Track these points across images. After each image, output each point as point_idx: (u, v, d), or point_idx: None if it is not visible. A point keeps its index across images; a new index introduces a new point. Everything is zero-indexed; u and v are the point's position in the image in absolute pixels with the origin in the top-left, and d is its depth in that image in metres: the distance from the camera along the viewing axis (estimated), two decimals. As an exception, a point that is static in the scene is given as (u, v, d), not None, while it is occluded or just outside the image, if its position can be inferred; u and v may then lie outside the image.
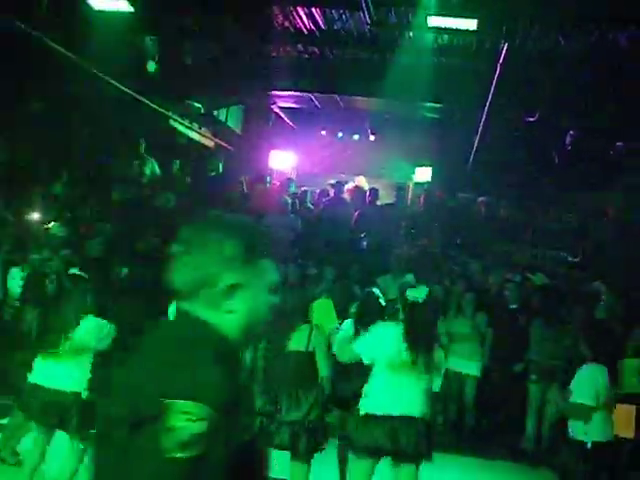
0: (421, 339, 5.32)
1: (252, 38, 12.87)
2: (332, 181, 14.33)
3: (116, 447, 1.52)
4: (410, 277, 7.79)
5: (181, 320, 1.70)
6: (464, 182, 13.22)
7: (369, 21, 11.39)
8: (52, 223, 9.95)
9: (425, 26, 10.36)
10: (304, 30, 12.59)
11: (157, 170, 13.56)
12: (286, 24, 12.45)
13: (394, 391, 5.22)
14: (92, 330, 5.39)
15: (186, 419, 1.45)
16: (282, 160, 16.16)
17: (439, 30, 10.59)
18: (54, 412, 5.22)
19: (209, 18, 12.04)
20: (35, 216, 10.71)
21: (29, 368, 5.46)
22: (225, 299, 1.69)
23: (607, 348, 5.78)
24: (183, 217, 11.44)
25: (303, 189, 14.05)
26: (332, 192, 13.72)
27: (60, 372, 5.28)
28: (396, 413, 5.17)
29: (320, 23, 12.31)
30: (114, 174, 12.98)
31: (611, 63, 11.51)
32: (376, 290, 6.47)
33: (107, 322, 5.54)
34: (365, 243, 11.52)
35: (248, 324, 1.73)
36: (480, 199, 12.77)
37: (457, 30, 10.41)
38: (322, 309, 6.55)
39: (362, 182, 14.92)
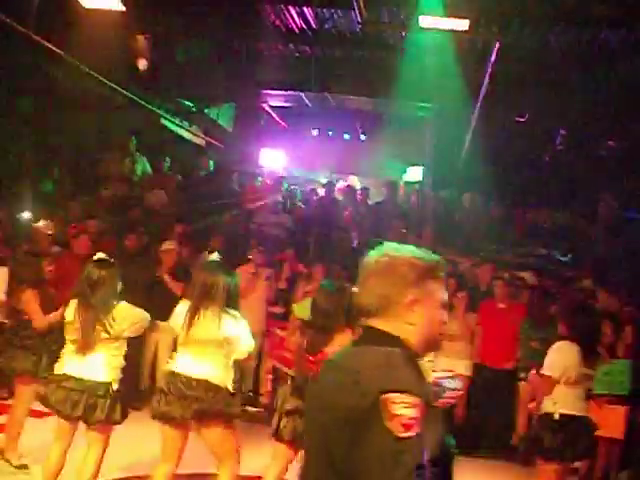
0: None
1: (244, 37, 12.87)
2: (323, 180, 14.33)
3: (341, 437, 1.91)
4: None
5: (373, 333, 2.10)
6: (455, 181, 13.22)
7: (360, 20, 11.41)
8: (42, 221, 9.88)
9: (417, 26, 10.36)
10: (295, 29, 12.61)
11: (148, 168, 13.52)
12: (277, 23, 12.46)
13: None
14: (126, 318, 5.21)
15: (403, 407, 1.85)
16: (273, 159, 16.16)
17: (431, 30, 10.59)
18: (82, 403, 5.02)
19: (201, 16, 12.02)
20: (25, 214, 10.64)
21: (55, 358, 5.30)
22: (406, 312, 2.08)
23: (584, 327, 5.77)
24: (174, 215, 11.46)
25: (292, 187, 14.05)
26: (323, 191, 13.72)
27: (91, 362, 5.08)
28: None
29: (311, 22, 12.33)
30: (105, 172, 12.93)
31: (602, 64, 11.56)
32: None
33: (141, 310, 5.39)
34: (356, 242, 11.52)
35: (426, 335, 2.12)
36: (465, 195, 12.75)
37: (449, 30, 10.42)
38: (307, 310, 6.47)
39: (353, 181, 14.93)
